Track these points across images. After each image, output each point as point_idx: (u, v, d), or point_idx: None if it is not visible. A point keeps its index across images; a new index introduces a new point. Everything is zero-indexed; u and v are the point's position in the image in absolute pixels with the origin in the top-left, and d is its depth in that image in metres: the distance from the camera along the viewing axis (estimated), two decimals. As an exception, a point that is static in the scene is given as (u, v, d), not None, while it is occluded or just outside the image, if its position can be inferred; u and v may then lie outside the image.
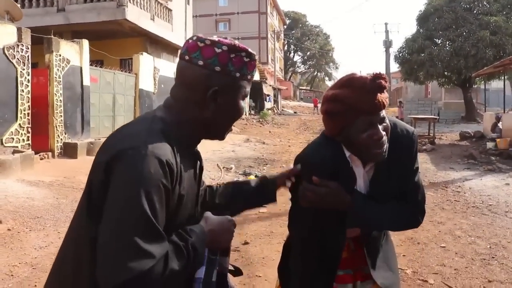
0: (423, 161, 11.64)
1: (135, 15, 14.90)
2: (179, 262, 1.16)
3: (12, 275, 4.18)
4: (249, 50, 1.32)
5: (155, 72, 15.98)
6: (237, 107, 1.34)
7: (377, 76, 1.47)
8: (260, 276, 4.06)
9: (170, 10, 18.13)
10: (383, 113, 1.53)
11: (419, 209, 1.70)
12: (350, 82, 1.51)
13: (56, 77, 10.79)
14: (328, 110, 1.56)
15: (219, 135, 1.39)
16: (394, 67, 35.71)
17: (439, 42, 28.02)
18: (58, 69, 10.87)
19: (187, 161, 1.29)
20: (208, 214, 1.38)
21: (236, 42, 1.32)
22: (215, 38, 1.30)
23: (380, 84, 1.47)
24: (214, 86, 1.26)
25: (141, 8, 15.56)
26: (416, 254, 4.70)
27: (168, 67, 17.35)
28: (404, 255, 4.57)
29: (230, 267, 1.47)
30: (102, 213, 1.11)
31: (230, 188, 1.75)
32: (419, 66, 27.80)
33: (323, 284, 1.69)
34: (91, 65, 12.50)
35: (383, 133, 1.52)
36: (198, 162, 1.41)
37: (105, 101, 13.25)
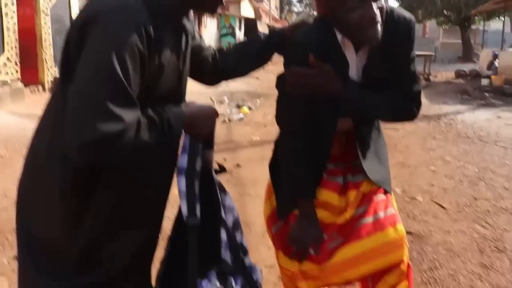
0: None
1: None
2: (152, 134, 1.12)
3: (6, 196, 4.23)
4: None
5: None
6: None
7: None
8: (251, 194, 4.13)
9: None
10: None
11: (415, 100, 1.62)
12: None
13: (43, 9, 10.43)
14: None
15: (209, 7, 1.30)
16: (394, 4, 34.86)
17: (439, -22, 27.24)
18: (45, 1, 10.50)
19: (171, 33, 1.23)
20: (191, 101, 1.34)
21: None
22: None
23: None
24: None
25: None
26: (405, 176, 4.77)
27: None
28: (394, 177, 4.61)
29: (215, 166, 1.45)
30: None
31: (240, 46, 1.72)
32: (418, 4, 27.16)
33: (313, 177, 1.65)
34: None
35: (377, 11, 1.43)
36: (185, 37, 1.33)
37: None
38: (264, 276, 2.73)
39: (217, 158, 5.46)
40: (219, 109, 9.37)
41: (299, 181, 1.65)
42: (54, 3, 10.84)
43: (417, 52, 14.56)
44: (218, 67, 1.65)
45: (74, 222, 1.18)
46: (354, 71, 1.57)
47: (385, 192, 1.70)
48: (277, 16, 54.05)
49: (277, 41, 1.69)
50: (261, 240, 3.14)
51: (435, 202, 3.98)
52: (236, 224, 1.44)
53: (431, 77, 15.99)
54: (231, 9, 31.01)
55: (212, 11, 1.31)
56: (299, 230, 1.64)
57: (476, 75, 16.33)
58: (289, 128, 1.67)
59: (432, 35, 35.33)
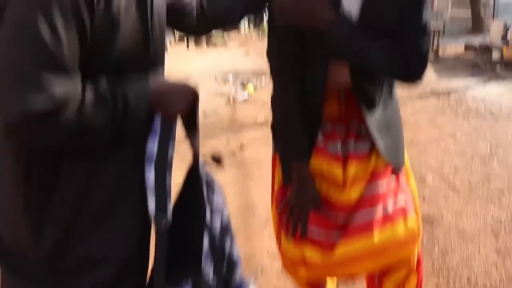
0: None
1: None
2: (101, 113, 0.93)
3: None
4: None
5: None
6: None
7: None
8: (255, 178, 4.01)
9: None
10: None
11: (420, 57, 1.36)
12: None
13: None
14: None
15: None
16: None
17: None
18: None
19: None
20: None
21: None
22: None
23: None
24: None
25: None
26: (415, 155, 4.58)
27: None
28: (402, 155, 4.48)
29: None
30: None
31: None
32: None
33: (307, 136, 1.47)
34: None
35: None
36: None
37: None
38: (268, 265, 2.64)
39: (220, 140, 5.34)
40: (224, 88, 9.21)
41: (291, 136, 1.49)
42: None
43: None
44: (206, 15, 1.47)
45: (36, 219, 1.02)
46: (349, 7, 1.33)
47: (395, 170, 1.53)
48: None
49: None
50: (264, 226, 3.02)
51: (446, 182, 3.82)
52: (225, 230, 1.22)
53: (440, 52, 15.63)
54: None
55: None
56: (296, 194, 1.49)
57: (486, 48, 15.93)
58: (279, 67, 1.49)
59: (440, 8, 34.58)
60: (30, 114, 0.84)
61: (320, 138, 1.50)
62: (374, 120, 1.47)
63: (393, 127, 1.55)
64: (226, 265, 1.19)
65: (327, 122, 1.49)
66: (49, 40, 0.85)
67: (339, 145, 1.50)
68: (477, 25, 27.03)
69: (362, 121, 1.48)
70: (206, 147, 4.98)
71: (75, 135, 0.92)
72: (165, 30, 1.20)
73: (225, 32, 23.65)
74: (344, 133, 1.51)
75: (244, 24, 27.96)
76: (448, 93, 8.33)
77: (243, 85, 9.38)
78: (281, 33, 1.40)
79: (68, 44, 0.88)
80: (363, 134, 1.49)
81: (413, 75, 1.40)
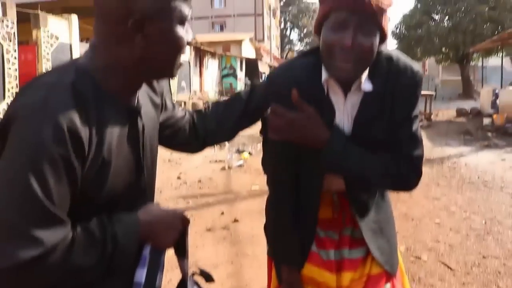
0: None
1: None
2: (90, 253, 0.94)
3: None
4: None
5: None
6: (173, 34, 1.02)
7: None
8: (248, 254, 3.95)
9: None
10: (371, 22, 1.22)
11: (414, 166, 1.35)
12: None
13: (44, 54, 10.55)
14: None
15: (166, 73, 1.10)
16: (392, 43, 35.37)
17: (437, 17, 27.72)
18: (46, 46, 10.62)
19: (118, 119, 1.03)
20: (152, 204, 1.14)
21: None
22: None
23: None
24: (134, 14, 0.96)
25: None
26: (409, 230, 4.58)
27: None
28: (397, 232, 4.43)
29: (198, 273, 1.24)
30: None
31: (220, 107, 1.53)
32: (416, 42, 27.54)
33: (299, 242, 1.46)
34: (82, 41, 12.22)
35: (356, 44, 1.21)
36: (140, 120, 1.11)
37: (96, 79, 12.99)
38: None
39: (215, 210, 5.32)
40: (220, 154, 9.27)
41: (283, 242, 1.47)
42: (55, 47, 10.93)
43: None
44: (198, 135, 1.48)
45: None
46: (343, 121, 1.35)
47: (390, 273, 1.51)
48: (278, 56, 54.78)
49: (261, 94, 1.51)
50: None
51: (442, 262, 3.78)
52: None
53: (432, 117, 15.92)
54: (232, 50, 31.48)
55: (171, 75, 1.12)
56: None
57: (477, 114, 16.28)
58: (273, 178, 1.49)
59: (431, 72, 35.54)
60: (20, 263, 0.84)
61: (313, 245, 1.50)
62: (367, 224, 1.47)
63: (386, 230, 1.54)
64: None
65: (320, 228, 1.48)
66: (40, 195, 0.86)
67: (332, 252, 1.48)
68: (467, 89, 27.82)
69: (356, 225, 1.47)
70: (201, 220, 4.95)
71: (64, 275, 0.92)
72: (157, 156, 1.23)
73: (222, 96, 24.16)
74: (338, 238, 1.50)
75: (241, 87, 28.67)
76: (441, 161, 8.43)
77: (239, 152, 9.47)
78: (275, 147, 1.42)
79: (59, 195, 0.89)
80: (357, 239, 1.48)
81: (408, 186, 1.40)
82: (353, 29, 1.21)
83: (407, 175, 1.35)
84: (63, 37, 11.24)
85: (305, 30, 65.91)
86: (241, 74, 29.33)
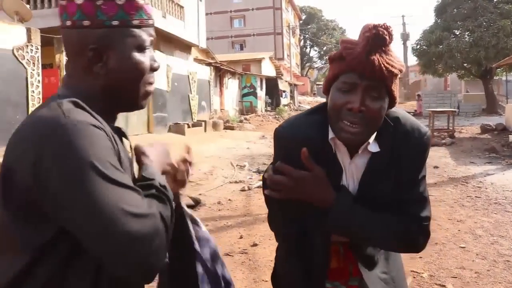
0: (442, 155, 11.29)
1: (147, 13, 14.78)
2: (165, 206, 1.03)
3: None
4: None
5: (167, 70, 15.86)
6: (132, 61, 1.07)
7: (377, 26, 1.17)
8: (266, 281, 3.87)
9: (182, 7, 18.01)
10: (381, 86, 1.20)
11: (422, 228, 1.31)
12: (365, 26, 1.22)
13: (66, 77, 10.75)
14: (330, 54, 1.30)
15: (132, 104, 1.13)
16: (412, 60, 35.23)
17: (458, 33, 27.48)
18: (69, 69, 10.82)
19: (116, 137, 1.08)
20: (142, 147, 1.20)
21: None
22: None
23: (377, 34, 1.17)
24: (91, 44, 1.03)
25: (152, 6, 15.45)
26: (433, 255, 4.43)
27: (181, 64, 17.27)
28: (420, 257, 4.30)
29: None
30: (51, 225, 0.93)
31: None
32: (438, 58, 27.29)
33: None
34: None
35: (363, 108, 1.19)
36: (128, 142, 1.18)
37: (118, 100, 13.14)
38: None
39: (234, 233, 5.26)
40: (240, 175, 9.23)
41: None
42: (77, 72, 11.15)
43: (440, 109, 14.35)
44: None
45: None
46: (349, 180, 1.34)
47: None
48: (298, 73, 54.95)
49: None
50: None
51: (468, 291, 3.63)
52: (215, 256, 1.36)
53: (455, 134, 15.63)
54: (252, 68, 31.68)
55: (138, 107, 1.14)
56: None
57: (502, 130, 15.92)
58: (280, 234, 1.47)
59: (453, 88, 35.14)
60: (148, 236, 0.91)
61: None
62: (375, 276, 1.41)
63: (397, 278, 1.47)
64: (222, 284, 1.33)
65: (326, 278, 1.43)
66: (114, 176, 0.93)
67: None
68: (491, 104, 27.33)
69: (362, 276, 1.41)
70: (220, 243, 4.89)
71: (168, 232, 1.00)
72: None
73: (242, 115, 24.24)
74: None
75: (261, 105, 28.75)
76: (466, 181, 8.21)
77: (259, 172, 9.41)
78: (280, 204, 1.37)
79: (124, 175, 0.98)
80: None
81: (415, 248, 1.36)
82: (362, 92, 1.20)
83: (415, 237, 1.32)
84: (85, 60, 11.47)
85: (324, 48, 66.06)
86: (261, 93, 29.43)
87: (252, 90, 28.01)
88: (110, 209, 0.89)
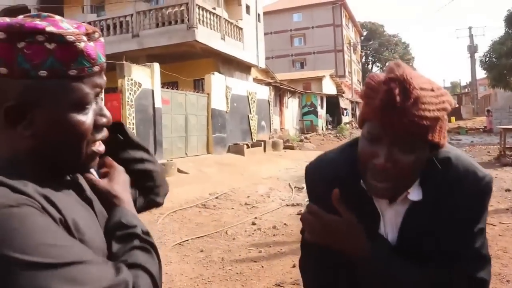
0: (516, 176, 10.49)
1: (206, 36, 15.14)
2: (151, 257, 0.90)
3: None
4: (53, 27, 0.80)
5: (227, 91, 16.05)
6: (67, 123, 0.83)
7: (390, 81, 0.98)
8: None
9: (240, 28, 18.26)
10: (412, 136, 1.01)
11: None
12: (388, 68, 1.05)
13: (128, 101, 11.11)
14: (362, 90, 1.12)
15: (73, 167, 0.91)
16: (481, 73, 33.60)
17: (532, 43, 25.87)
18: (130, 93, 11.19)
19: (69, 198, 0.89)
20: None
21: (29, 18, 0.82)
22: None
23: (389, 93, 0.97)
24: (8, 101, 0.78)
25: (211, 29, 15.77)
26: (505, 292, 4.02)
27: (240, 85, 17.45)
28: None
29: None
30: None
31: None
32: (509, 71, 25.81)
33: None
34: (164, 87, 12.79)
35: (389, 164, 1.02)
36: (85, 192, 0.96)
37: (178, 122, 13.46)
38: None
39: (287, 261, 5.07)
40: (298, 197, 9.04)
41: None
42: (138, 94, 11.49)
43: (510, 126, 13.29)
44: None
45: None
46: (387, 228, 1.16)
47: None
48: (360, 90, 53.99)
49: None
50: None
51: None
52: None
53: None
54: (312, 87, 31.53)
55: (82, 170, 0.95)
56: None
57: None
58: (313, 283, 1.32)
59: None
60: None
61: None
62: None
63: None
64: None
65: None
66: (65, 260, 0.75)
67: None
68: None
69: None
70: (271, 272, 4.73)
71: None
72: None
73: (302, 134, 24.07)
74: None
75: (322, 124, 28.46)
76: (543, 205, 7.54)
77: (316, 194, 9.16)
78: (312, 249, 1.24)
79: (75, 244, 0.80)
80: None
81: None
82: (388, 145, 1.02)
83: None
84: (145, 84, 11.81)
85: (387, 64, 64.61)
86: (321, 111, 29.16)
87: (312, 108, 27.81)
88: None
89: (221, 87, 15.74)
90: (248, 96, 18.04)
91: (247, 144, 16.40)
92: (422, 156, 1.05)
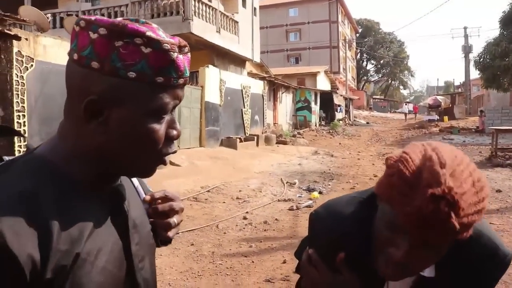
0: (506, 178, 10.54)
1: (201, 29, 15.04)
2: None
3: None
4: (152, 33, 0.80)
5: (221, 84, 15.97)
6: (141, 128, 0.82)
7: (439, 198, 0.84)
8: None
9: (236, 22, 18.16)
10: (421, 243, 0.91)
11: None
12: (415, 183, 0.87)
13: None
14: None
15: (137, 171, 0.91)
16: (475, 73, 33.74)
17: (526, 45, 25.96)
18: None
19: (91, 210, 0.84)
20: None
21: (128, 20, 0.81)
22: (93, 17, 0.81)
23: (433, 215, 0.84)
24: (91, 95, 0.79)
25: (206, 21, 15.66)
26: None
27: (235, 79, 17.37)
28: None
29: None
30: None
31: None
32: (503, 72, 25.87)
33: None
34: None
35: (403, 262, 0.93)
36: (124, 205, 0.93)
37: (171, 114, 13.33)
38: None
39: (277, 257, 5.07)
40: (290, 193, 9.02)
41: None
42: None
43: (505, 127, 13.44)
44: None
45: None
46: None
47: None
48: (354, 87, 54.17)
49: None
50: None
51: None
52: None
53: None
54: (307, 82, 31.50)
55: (143, 175, 0.92)
56: None
57: None
58: None
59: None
60: None
61: None
62: None
63: None
64: None
65: None
66: None
67: None
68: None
69: None
70: (261, 268, 4.72)
71: None
72: (152, 242, 1.02)
73: (295, 130, 24.05)
74: None
75: (315, 120, 28.44)
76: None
77: (309, 190, 9.16)
78: None
79: None
80: None
81: None
82: (408, 248, 0.92)
83: None
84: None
85: (382, 61, 64.84)
86: (315, 107, 29.14)
87: (306, 104, 27.77)
88: None
89: (215, 80, 15.65)
90: (242, 90, 17.97)
91: (240, 138, 16.34)
92: (445, 250, 0.97)
